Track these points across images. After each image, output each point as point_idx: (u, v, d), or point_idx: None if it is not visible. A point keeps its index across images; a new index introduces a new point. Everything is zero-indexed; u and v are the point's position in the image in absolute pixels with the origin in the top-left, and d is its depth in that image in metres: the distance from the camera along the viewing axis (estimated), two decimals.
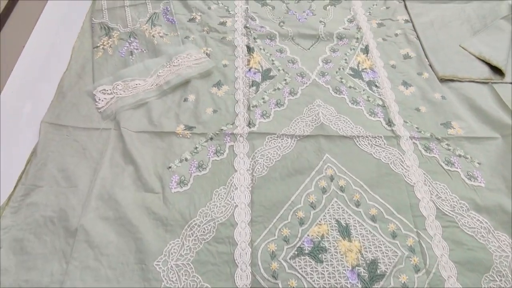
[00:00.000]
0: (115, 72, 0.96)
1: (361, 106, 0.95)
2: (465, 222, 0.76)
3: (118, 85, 0.93)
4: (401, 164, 0.84)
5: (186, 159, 0.83)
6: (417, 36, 1.12)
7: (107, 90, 0.92)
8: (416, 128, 0.91)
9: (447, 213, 0.77)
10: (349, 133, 0.88)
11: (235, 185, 0.79)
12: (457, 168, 0.84)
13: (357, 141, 0.87)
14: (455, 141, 0.88)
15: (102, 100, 0.90)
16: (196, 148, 0.85)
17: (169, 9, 1.13)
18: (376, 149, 0.86)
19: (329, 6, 1.21)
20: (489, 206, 0.78)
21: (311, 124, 0.90)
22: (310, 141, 0.87)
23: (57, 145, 0.83)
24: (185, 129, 0.87)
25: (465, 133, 0.90)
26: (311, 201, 0.77)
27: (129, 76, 0.94)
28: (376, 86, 0.99)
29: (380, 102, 0.95)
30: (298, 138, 0.87)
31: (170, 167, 0.81)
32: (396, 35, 1.13)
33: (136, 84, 0.93)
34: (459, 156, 0.86)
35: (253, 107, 0.92)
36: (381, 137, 0.88)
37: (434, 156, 0.86)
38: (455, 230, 0.74)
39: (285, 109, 0.93)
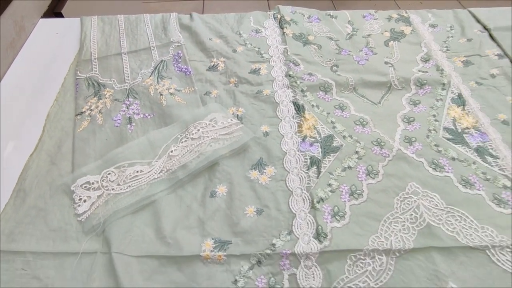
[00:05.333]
0: (105, 152, 0.65)
1: (478, 190, 0.62)
2: None
3: (109, 173, 0.61)
4: None
5: None
6: None
7: (93, 184, 0.60)
8: None
9: None
10: (477, 241, 0.55)
11: None
12: None
13: (493, 255, 0.54)
14: None
15: (85, 201, 0.58)
16: (235, 281, 0.52)
17: (181, 54, 0.84)
18: None
19: (391, 41, 0.92)
20: None
21: (411, 227, 0.57)
22: (417, 258, 0.54)
23: None
24: (215, 248, 0.54)
25: None
26: None
27: (126, 159, 0.63)
28: (491, 155, 0.67)
29: (508, 183, 0.63)
30: (398, 255, 0.54)
31: None
32: (493, 76, 0.82)
33: (137, 172, 0.62)
34: None
35: (318, 202, 0.59)
36: None
37: None
38: None
39: (366, 201, 0.60)
